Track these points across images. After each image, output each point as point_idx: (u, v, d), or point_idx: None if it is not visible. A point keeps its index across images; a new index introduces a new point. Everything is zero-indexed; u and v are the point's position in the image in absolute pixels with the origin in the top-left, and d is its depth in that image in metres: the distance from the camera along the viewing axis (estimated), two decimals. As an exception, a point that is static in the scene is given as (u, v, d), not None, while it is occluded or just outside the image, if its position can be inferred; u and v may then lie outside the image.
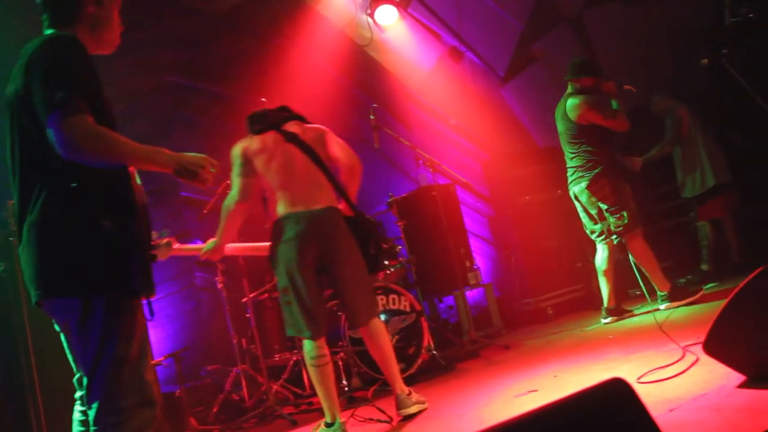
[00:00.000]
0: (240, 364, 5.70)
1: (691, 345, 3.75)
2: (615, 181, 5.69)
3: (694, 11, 7.79)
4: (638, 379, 3.49)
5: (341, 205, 4.17)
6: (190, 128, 7.52)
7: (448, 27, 7.67)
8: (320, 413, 4.51)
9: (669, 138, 6.90)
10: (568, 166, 6.01)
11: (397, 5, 7.21)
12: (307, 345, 3.97)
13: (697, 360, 3.50)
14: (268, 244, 4.17)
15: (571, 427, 1.36)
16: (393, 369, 4.13)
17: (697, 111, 7.01)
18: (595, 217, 5.76)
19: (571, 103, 5.85)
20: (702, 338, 2.93)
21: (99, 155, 2.29)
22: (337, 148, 4.20)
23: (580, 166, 5.81)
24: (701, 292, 5.59)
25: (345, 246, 4.07)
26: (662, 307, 5.57)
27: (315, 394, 5.59)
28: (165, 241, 3.91)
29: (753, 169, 7.37)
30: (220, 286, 5.86)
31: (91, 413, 2.30)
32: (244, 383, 5.65)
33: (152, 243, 3.28)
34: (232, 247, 4.22)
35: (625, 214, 5.61)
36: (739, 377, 2.92)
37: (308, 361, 3.97)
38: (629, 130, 5.76)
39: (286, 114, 4.28)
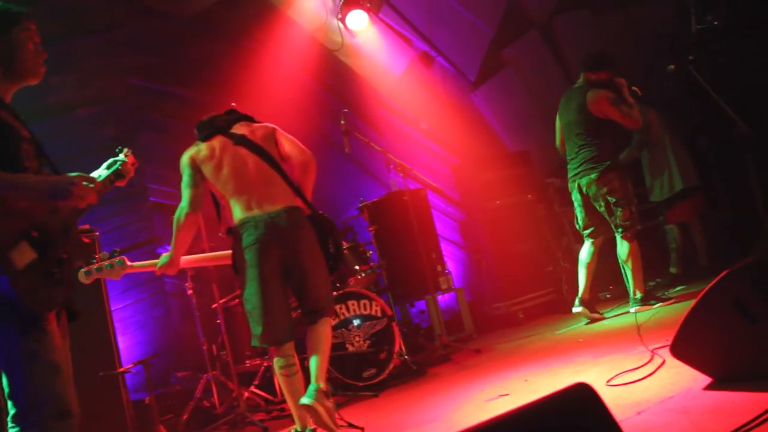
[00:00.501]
0: (210, 370, 5.66)
1: (659, 348, 3.79)
2: (622, 176, 5.80)
3: (661, 19, 7.90)
4: (607, 382, 3.51)
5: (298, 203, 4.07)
6: (159, 132, 7.46)
7: (418, 32, 7.69)
8: (292, 419, 4.50)
9: (637, 142, 6.97)
10: (571, 158, 6.00)
11: (368, 10, 7.21)
12: (282, 349, 3.85)
13: (663, 363, 3.54)
14: (223, 253, 4.11)
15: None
16: (326, 365, 3.93)
17: (665, 116, 7.09)
18: (603, 211, 5.82)
19: (592, 95, 5.84)
20: (670, 341, 2.97)
21: None
22: (289, 145, 4.12)
23: (589, 159, 5.83)
24: (672, 300, 5.65)
25: (307, 244, 3.96)
26: (632, 309, 5.62)
27: (286, 401, 5.57)
28: (117, 259, 3.89)
29: (719, 172, 7.48)
30: (189, 292, 5.81)
31: (9, 427, 2.46)
32: (214, 390, 5.61)
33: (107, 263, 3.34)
34: (187, 259, 4.14)
35: (633, 209, 5.74)
36: (705, 379, 2.96)
37: (277, 371, 3.87)
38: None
39: (233, 116, 4.19)
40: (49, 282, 2.54)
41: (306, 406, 3.64)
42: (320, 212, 4.13)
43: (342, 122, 5.94)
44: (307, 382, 3.78)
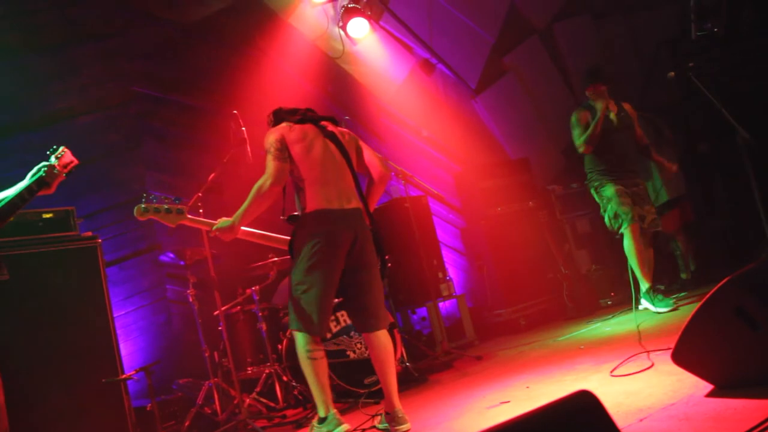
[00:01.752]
0: (212, 377, 5.65)
1: (660, 354, 3.80)
2: (602, 184, 6.27)
3: (661, 26, 7.93)
4: (611, 372, 3.62)
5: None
6: (160, 139, 7.47)
7: (419, 39, 7.72)
8: (294, 426, 4.50)
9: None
10: None
11: (369, 18, 7.24)
12: (302, 339, 3.82)
13: (652, 365, 3.67)
14: (283, 237, 4.12)
15: (540, 440, 1.38)
16: (394, 382, 3.97)
17: (652, 124, 7.07)
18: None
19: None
20: (671, 347, 2.98)
21: None
22: (372, 156, 4.23)
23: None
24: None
25: (371, 250, 4.01)
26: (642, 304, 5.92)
27: (288, 407, 5.57)
28: (177, 207, 3.89)
29: (719, 178, 7.50)
30: (191, 299, 5.81)
31: None
32: (216, 397, 5.60)
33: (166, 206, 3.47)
34: (246, 231, 4.11)
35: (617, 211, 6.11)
36: (707, 386, 2.97)
37: (302, 354, 3.82)
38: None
39: (319, 114, 4.24)
40: None
41: None
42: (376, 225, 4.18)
43: (344, 129, 5.94)
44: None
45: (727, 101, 5.41)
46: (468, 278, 8.59)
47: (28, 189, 3.05)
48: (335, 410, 3.83)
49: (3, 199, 3.06)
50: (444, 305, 7.52)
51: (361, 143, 4.27)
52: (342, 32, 7.27)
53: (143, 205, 3.87)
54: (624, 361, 4.05)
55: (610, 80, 6.27)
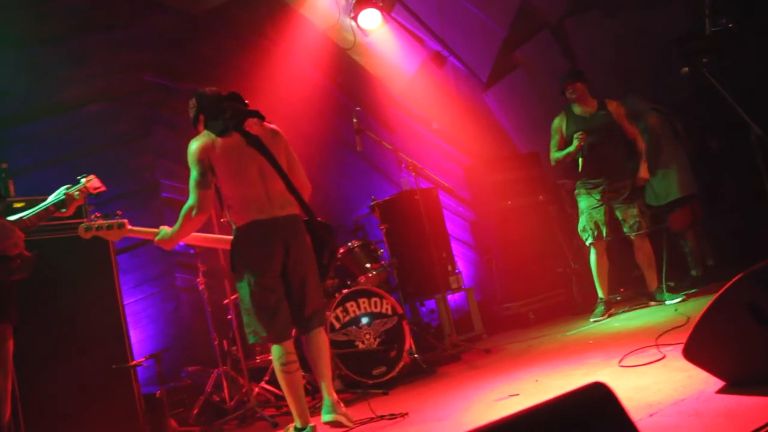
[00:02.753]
0: (221, 365, 5.68)
1: (670, 349, 3.80)
2: (579, 193, 6.39)
3: (674, 21, 7.87)
4: (619, 362, 3.71)
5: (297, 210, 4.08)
6: (170, 128, 7.48)
7: (431, 32, 7.69)
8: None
9: (650, 146, 6.87)
10: None
11: (380, 9, 7.22)
12: (275, 350, 3.88)
13: (663, 357, 3.71)
14: (227, 237, 4.15)
15: (552, 431, 1.38)
16: (329, 374, 4.05)
17: (668, 120, 7.01)
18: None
19: None
20: (682, 342, 2.97)
21: None
22: (296, 165, 4.20)
23: None
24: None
25: (306, 252, 4.05)
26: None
27: (285, 398, 5.59)
28: (117, 222, 3.96)
29: (731, 174, 7.46)
30: (201, 287, 5.84)
31: None
32: (225, 385, 5.63)
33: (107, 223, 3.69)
34: (192, 238, 4.20)
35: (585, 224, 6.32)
36: (718, 382, 2.96)
37: (277, 367, 3.88)
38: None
39: (243, 108, 4.04)
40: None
41: (331, 422, 3.88)
42: (319, 219, 4.14)
43: (354, 121, 5.95)
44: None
45: (741, 98, 5.38)
46: (477, 271, 8.58)
47: (46, 210, 3.10)
48: (312, 424, 3.91)
49: (21, 216, 3.10)
50: (453, 298, 7.52)
51: (290, 150, 4.21)
52: (353, 23, 7.25)
53: (84, 225, 3.92)
54: (633, 351, 4.06)
55: (585, 80, 6.31)
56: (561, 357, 4.81)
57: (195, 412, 5.58)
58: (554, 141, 6.35)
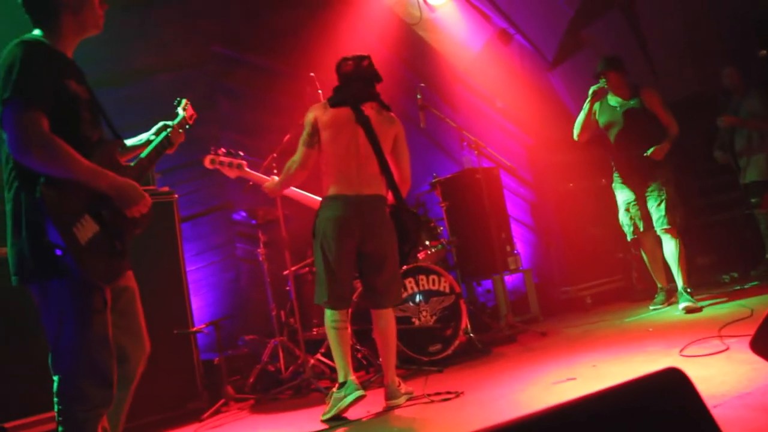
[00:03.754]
0: (278, 336, 5.75)
1: (732, 338, 3.72)
2: (615, 186, 6.26)
3: (750, 2, 7.60)
4: (680, 351, 3.72)
5: (389, 195, 4.30)
6: (234, 100, 7.56)
7: (498, 9, 7.60)
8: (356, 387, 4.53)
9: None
10: None
11: (448, -16, 7.16)
12: (328, 314, 4.14)
13: (727, 348, 3.66)
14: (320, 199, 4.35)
15: (626, 414, 1.36)
16: (392, 358, 4.21)
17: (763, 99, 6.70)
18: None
19: None
20: (749, 333, 2.89)
21: (44, 162, 2.44)
22: (404, 156, 4.39)
23: None
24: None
25: (384, 234, 4.20)
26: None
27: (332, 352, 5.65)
28: (237, 162, 4.35)
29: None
30: (261, 258, 5.91)
31: (54, 386, 2.55)
32: (281, 355, 5.71)
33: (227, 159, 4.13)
34: (292, 192, 4.54)
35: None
36: (786, 377, 2.88)
37: (328, 324, 4.14)
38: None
39: (369, 92, 4.34)
40: (112, 254, 2.62)
41: (396, 406, 4.07)
42: (409, 209, 4.36)
43: (418, 97, 5.92)
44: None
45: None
46: (535, 253, 8.50)
47: (155, 150, 3.08)
48: (354, 377, 4.10)
49: (144, 151, 3.07)
50: (510, 279, 7.48)
51: (401, 142, 4.39)
52: (420, -1, 7.21)
53: (210, 157, 4.36)
54: (695, 341, 3.98)
55: (619, 68, 5.95)
56: (619, 343, 4.74)
57: (251, 380, 5.67)
58: (580, 117, 6.10)
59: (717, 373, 3.29)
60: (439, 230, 6.09)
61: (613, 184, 6.24)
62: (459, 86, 8.09)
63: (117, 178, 2.64)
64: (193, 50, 7.02)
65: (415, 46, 7.78)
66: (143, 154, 3.05)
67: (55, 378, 2.54)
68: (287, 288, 5.88)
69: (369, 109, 4.28)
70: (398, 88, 7.79)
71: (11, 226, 2.54)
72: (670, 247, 5.82)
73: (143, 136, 3.22)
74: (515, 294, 7.54)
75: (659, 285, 6.19)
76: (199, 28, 6.94)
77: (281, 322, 5.99)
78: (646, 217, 5.98)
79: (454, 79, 8.01)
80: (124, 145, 3.07)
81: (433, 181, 6.52)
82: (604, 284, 7.42)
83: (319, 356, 5.77)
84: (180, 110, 3.44)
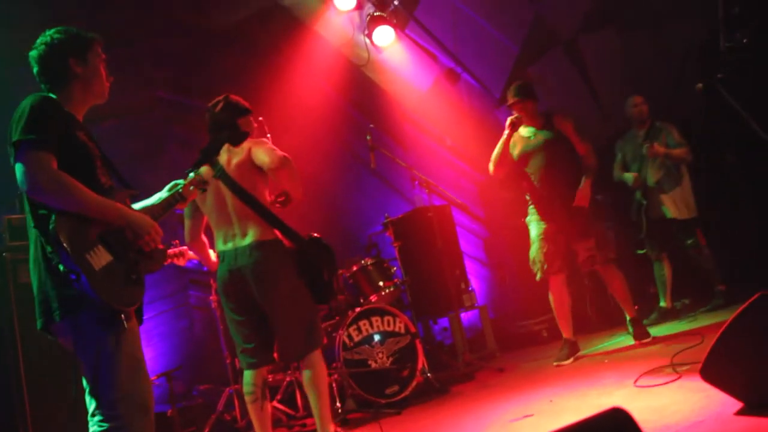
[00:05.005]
0: (233, 383, 5.65)
1: (686, 369, 3.75)
2: (530, 220, 5.75)
3: (688, 36, 7.84)
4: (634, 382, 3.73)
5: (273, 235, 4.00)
6: (184, 146, 7.50)
7: (444, 48, 7.70)
8: (314, 435, 4.46)
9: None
10: None
11: (394, 26, 7.25)
12: (245, 375, 4.04)
13: (679, 377, 3.69)
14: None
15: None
16: (325, 409, 3.97)
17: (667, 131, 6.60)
18: None
19: None
20: (699, 361, 2.92)
21: (55, 196, 2.51)
22: (261, 155, 3.96)
23: None
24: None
25: (270, 283, 3.90)
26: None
27: (309, 416, 5.55)
28: (178, 250, 4.14)
29: (746, 189, 7.38)
30: (214, 305, 5.83)
31: (94, 420, 2.56)
32: (236, 403, 5.60)
33: (167, 252, 3.87)
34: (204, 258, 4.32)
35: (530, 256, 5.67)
36: (736, 404, 2.91)
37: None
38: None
39: (220, 138, 3.74)
40: (127, 282, 2.64)
41: None
42: (315, 238, 4.12)
43: (368, 137, 5.95)
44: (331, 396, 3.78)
45: (756, 113, 5.34)
46: (490, 289, 8.53)
47: (167, 201, 3.10)
48: None
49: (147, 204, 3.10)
50: (466, 316, 7.47)
51: (253, 151, 3.98)
52: (367, 40, 7.29)
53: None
54: (649, 371, 4.01)
55: (529, 97, 5.57)
56: (575, 376, 4.76)
57: (206, 431, 5.54)
58: (496, 151, 5.61)
59: (670, 403, 3.32)
60: (392, 270, 6.08)
61: (528, 218, 5.72)
62: (409, 126, 8.15)
63: (126, 209, 2.74)
64: (140, 96, 6.96)
65: (364, 88, 7.83)
66: (155, 201, 3.12)
67: (97, 413, 2.56)
68: (241, 334, 5.78)
69: (223, 155, 3.99)
70: (348, 129, 7.83)
71: (34, 272, 2.61)
72: (612, 283, 5.50)
73: (155, 197, 3.22)
74: (472, 330, 7.53)
75: (564, 336, 5.64)
76: (145, 73, 6.90)
77: (236, 369, 5.88)
78: (564, 255, 5.52)
79: (403, 118, 8.07)
80: (136, 193, 3.08)
81: (385, 221, 6.52)
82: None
83: (275, 403, 5.67)
84: (192, 174, 3.39)
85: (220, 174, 3.89)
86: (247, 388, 3.98)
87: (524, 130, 5.61)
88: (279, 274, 3.93)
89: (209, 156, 3.77)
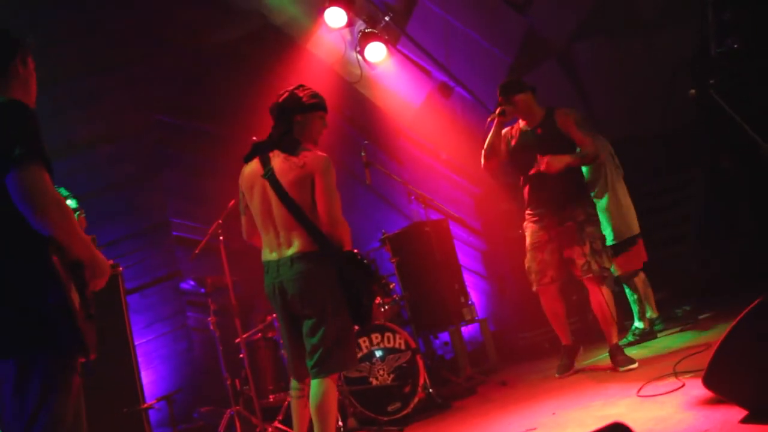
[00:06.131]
0: (234, 405, 5.61)
1: (690, 377, 3.73)
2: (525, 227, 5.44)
3: (679, 43, 7.88)
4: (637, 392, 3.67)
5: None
6: (180, 167, 7.51)
7: (437, 62, 7.71)
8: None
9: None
10: None
11: (386, 42, 7.26)
12: (292, 381, 3.90)
13: (683, 385, 3.66)
14: None
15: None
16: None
17: (615, 160, 6.34)
18: None
19: None
20: (702, 368, 2.90)
21: (59, 222, 2.34)
22: (320, 204, 3.71)
23: None
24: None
25: (308, 295, 3.68)
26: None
27: None
28: None
29: (742, 196, 7.39)
30: (212, 326, 5.80)
31: None
32: (238, 425, 5.56)
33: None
34: None
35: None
36: (741, 411, 2.88)
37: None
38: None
39: (279, 133, 3.85)
40: (92, 321, 2.51)
41: None
42: (359, 258, 3.82)
43: (362, 154, 5.94)
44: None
45: (750, 118, 5.35)
46: (490, 301, 8.50)
47: None
48: None
49: None
50: (466, 329, 7.44)
51: (318, 186, 3.71)
52: (359, 57, 7.30)
53: None
54: (652, 380, 3.99)
55: (525, 89, 5.29)
56: (578, 388, 4.73)
57: (209, 453, 5.51)
58: (487, 141, 5.36)
59: (674, 412, 3.29)
60: (391, 286, 6.06)
61: (524, 224, 5.43)
62: (403, 141, 8.15)
63: (92, 250, 2.55)
64: (134, 119, 6.97)
65: (357, 104, 7.84)
66: None
67: None
68: (241, 356, 5.76)
69: (276, 157, 3.77)
70: (343, 146, 7.82)
71: None
72: (597, 299, 5.07)
73: None
74: (473, 344, 7.50)
75: (563, 343, 5.49)
76: (139, 96, 6.91)
77: (236, 390, 5.85)
78: (559, 264, 5.20)
79: (397, 134, 8.07)
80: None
81: (383, 237, 6.50)
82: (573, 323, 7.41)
83: (277, 424, 5.62)
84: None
85: (269, 176, 3.72)
86: (293, 387, 3.86)
87: (522, 124, 5.36)
88: (326, 288, 3.70)
89: (260, 151, 3.83)
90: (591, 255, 4.98)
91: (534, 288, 5.35)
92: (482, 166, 5.43)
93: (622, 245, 6.08)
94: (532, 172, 5.14)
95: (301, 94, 3.98)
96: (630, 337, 6.11)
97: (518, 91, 5.28)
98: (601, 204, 6.04)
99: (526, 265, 5.38)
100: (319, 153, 3.82)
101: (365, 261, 3.86)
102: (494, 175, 5.26)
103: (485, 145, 5.34)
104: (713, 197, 7.42)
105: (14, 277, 2.34)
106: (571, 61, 8.18)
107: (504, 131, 5.41)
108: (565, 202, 5.08)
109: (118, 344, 5.11)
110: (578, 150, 5.13)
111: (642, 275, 6.25)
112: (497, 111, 5.25)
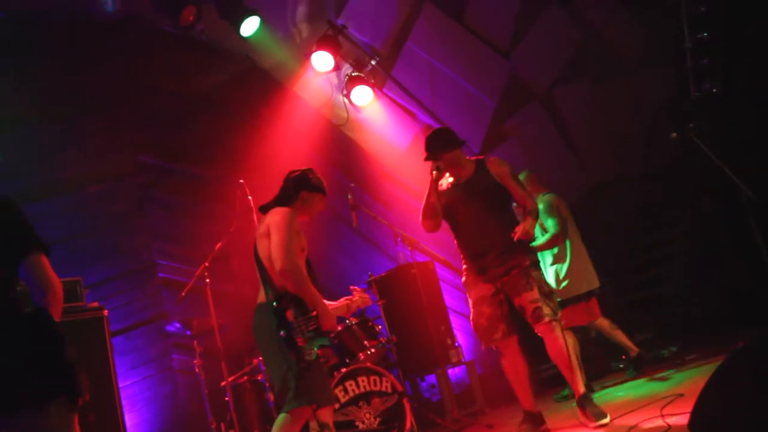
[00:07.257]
0: (218, 449, 5.55)
1: (672, 417, 3.75)
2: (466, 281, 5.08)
3: (660, 87, 8.04)
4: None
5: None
6: (166, 208, 7.51)
7: (422, 106, 7.82)
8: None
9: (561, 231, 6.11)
10: None
11: (372, 86, 7.36)
12: None
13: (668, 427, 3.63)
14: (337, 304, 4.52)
15: None
16: None
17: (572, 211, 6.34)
18: None
19: None
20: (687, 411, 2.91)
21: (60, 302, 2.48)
22: (272, 245, 4.01)
23: None
24: None
25: (260, 341, 4.04)
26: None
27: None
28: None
29: (723, 234, 7.47)
30: (198, 369, 5.76)
31: None
32: (222, 470, 5.50)
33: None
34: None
35: None
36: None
37: None
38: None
39: (278, 195, 4.36)
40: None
41: None
42: (282, 301, 3.89)
43: (349, 197, 5.99)
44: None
45: (728, 160, 5.46)
46: (477, 344, 8.47)
47: None
48: None
49: None
50: (453, 371, 7.42)
51: (272, 232, 4.01)
52: (346, 100, 7.39)
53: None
54: (639, 423, 3.99)
55: (449, 145, 4.90)
56: (565, 430, 4.71)
57: (193, 498, 5.43)
58: (423, 203, 4.97)
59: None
60: (377, 329, 6.05)
61: (464, 279, 5.03)
62: (389, 183, 8.21)
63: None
64: (121, 160, 7.00)
65: (343, 147, 7.91)
66: None
67: None
68: (226, 399, 5.72)
69: (265, 218, 4.22)
70: (329, 188, 7.82)
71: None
72: (556, 345, 4.67)
73: None
74: (460, 386, 7.46)
75: (523, 408, 4.99)
76: (126, 138, 6.95)
77: (221, 434, 5.79)
78: (504, 318, 4.79)
79: (384, 176, 8.13)
80: None
81: (369, 279, 6.52)
82: (548, 369, 7.39)
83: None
84: None
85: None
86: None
87: (451, 179, 4.97)
88: (267, 332, 3.87)
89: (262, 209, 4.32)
90: (542, 299, 4.60)
91: (483, 345, 4.94)
92: (420, 224, 5.03)
93: (574, 299, 6.12)
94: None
95: (311, 176, 4.47)
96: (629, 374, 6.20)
97: (443, 147, 4.90)
98: (564, 256, 6.19)
99: (473, 323, 4.94)
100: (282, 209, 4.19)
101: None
102: (434, 232, 5.00)
103: (423, 205, 4.92)
104: (697, 237, 7.49)
105: (39, 338, 2.36)
106: (554, 104, 8.33)
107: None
108: (508, 249, 4.67)
109: (103, 386, 5.07)
110: (514, 204, 4.94)
111: (605, 321, 6.29)
112: (434, 169, 4.86)
